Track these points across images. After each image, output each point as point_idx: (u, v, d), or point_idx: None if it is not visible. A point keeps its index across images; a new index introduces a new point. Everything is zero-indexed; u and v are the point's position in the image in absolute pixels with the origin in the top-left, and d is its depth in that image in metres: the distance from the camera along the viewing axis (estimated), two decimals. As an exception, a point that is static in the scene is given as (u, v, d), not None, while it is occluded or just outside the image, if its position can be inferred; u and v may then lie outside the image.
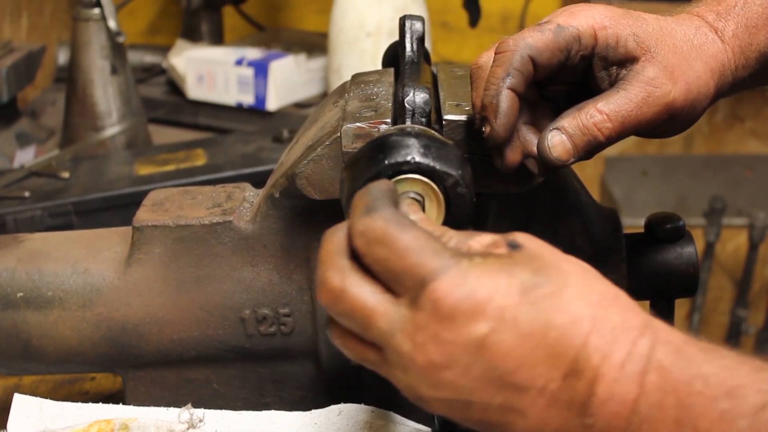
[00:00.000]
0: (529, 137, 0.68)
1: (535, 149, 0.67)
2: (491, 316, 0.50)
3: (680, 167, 2.44)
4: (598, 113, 0.66)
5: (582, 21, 0.67)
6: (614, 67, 0.68)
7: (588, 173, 2.45)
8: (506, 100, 0.65)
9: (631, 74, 0.67)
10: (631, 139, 2.41)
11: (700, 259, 2.32)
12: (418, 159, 0.57)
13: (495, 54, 0.67)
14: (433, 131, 0.62)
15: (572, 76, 0.70)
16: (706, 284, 2.35)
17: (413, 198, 0.59)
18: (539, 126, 0.69)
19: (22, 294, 0.78)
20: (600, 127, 0.66)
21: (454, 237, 0.55)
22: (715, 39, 0.71)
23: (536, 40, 0.66)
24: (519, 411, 0.52)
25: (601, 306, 0.52)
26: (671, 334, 0.52)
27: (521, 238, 0.54)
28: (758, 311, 2.38)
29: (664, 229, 0.79)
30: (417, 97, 0.65)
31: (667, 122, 0.69)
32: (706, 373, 0.49)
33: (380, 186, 0.55)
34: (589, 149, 0.66)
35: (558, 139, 0.66)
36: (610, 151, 2.43)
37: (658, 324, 0.52)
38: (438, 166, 0.57)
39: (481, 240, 0.54)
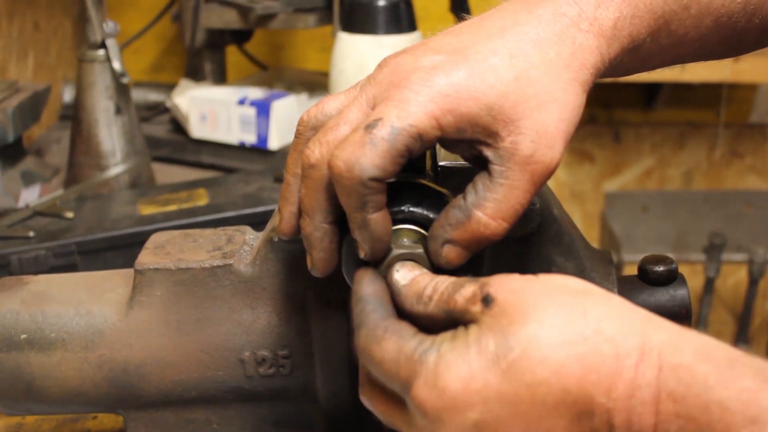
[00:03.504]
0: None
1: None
2: (473, 402, 0.51)
3: (680, 203, 2.45)
4: (491, 220, 0.59)
5: (419, 112, 0.57)
6: (475, 144, 0.59)
7: (588, 209, 2.46)
8: (326, 247, 0.61)
9: (503, 158, 0.58)
10: (632, 175, 2.43)
11: (701, 295, 2.33)
12: (412, 208, 0.59)
13: (308, 178, 0.60)
14: (427, 181, 0.63)
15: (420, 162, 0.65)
16: (707, 319, 2.35)
17: (406, 251, 0.60)
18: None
19: (25, 336, 0.79)
20: (493, 232, 0.59)
21: (443, 287, 0.56)
22: (586, 39, 0.61)
23: (368, 158, 0.56)
24: None
25: (586, 339, 0.50)
26: (680, 354, 0.50)
27: (494, 288, 0.53)
28: (759, 346, 2.39)
29: (657, 272, 0.80)
30: (412, 145, 0.66)
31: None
32: (724, 399, 0.47)
33: (366, 289, 0.58)
34: (481, 247, 0.61)
35: (454, 253, 0.60)
36: (611, 186, 2.44)
37: (662, 341, 0.50)
38: (432, 215, 0.59)
39: (464, 293, 0.55)
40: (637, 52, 0.65)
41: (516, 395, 0.50)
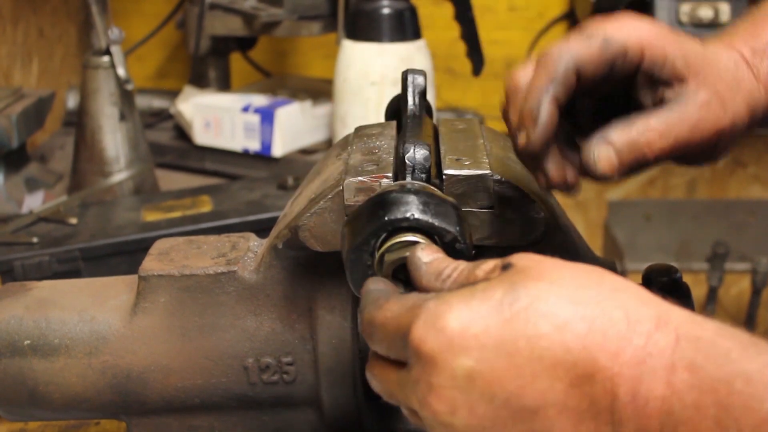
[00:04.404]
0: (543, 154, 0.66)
1: (546, 163, 0.65)
2: (470, 346, 0.49)
3: (683, 212, 2.45)
4: (650, 131, 0.63)
5: (630, 34, 0.64)
6: (660, 86, 0.65)
7: (591, 217, 2.46)
8: (546, 111, 0.62)
9: (683, 95, 0.65)
10: (635, 183, 2.43)
11: (704, 304, 2.33)
12: (417, 216, 0.59)
13: (537, 62, 0.64)
14: (432, 188, 0.63)
15: (607, 90, 0.67)
16: (710, 329, 2.35)
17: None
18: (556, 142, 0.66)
19: (29, 341, 0.79)
20: (651, 144, 0.63)
21: (464, 266, 0.56)
22: (750, 76, 0.69)
23: (582, 51, 0.63)
24: None
25: (596, 303, 0.49)
26: (699, 328, 0.48)
27: (517, 257, 0.53)
28: (762, 356, 2.38)
29: (662, 282, 0.80)
30: (417, 153, 0.66)
31: (710, 148, 0.67)
32: (749, 371, 0.45)
33: (373, 285, 0.58)
34: (635, 165, 0.64)
35: (605, 153, 0.63)
36: (614, 195, 2.44)
37: (681, 317, 0.49)
38: (437, 223, 0.59)
39: (485, 267, 0.54)
40: None
41: (514, 345, 0.48)
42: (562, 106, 0.64)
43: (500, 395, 0.49)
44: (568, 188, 0.67)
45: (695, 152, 0.66)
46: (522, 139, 0.64)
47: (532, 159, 0.66)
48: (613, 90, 0.67)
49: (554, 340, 0.48)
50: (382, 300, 0.56)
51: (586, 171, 0.64)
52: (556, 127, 0.63)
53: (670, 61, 0.64)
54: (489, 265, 0.54)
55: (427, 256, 0.58)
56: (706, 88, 0.65)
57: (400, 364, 0.54)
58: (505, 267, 0.52)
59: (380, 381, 0.57)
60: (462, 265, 0.56)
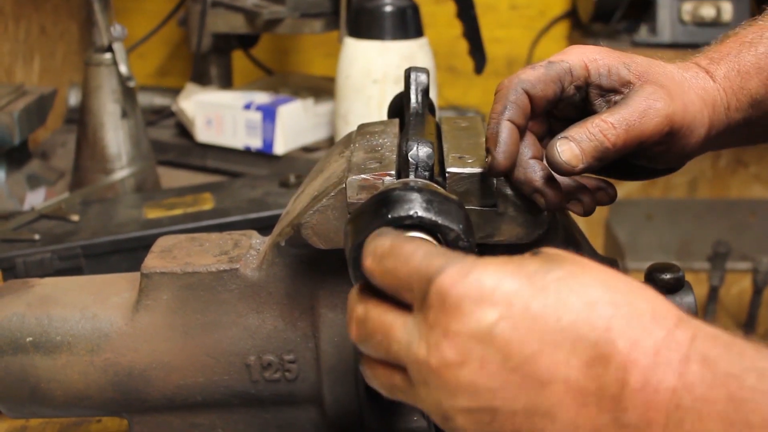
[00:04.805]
0: (537, 171, 0.70)
1: (541, 184, 0.69)
2: (499, 301, 0.50)
3: (684, 211, 2.44)
4: (602, 122, 0.68)
5: (572, 56, 0.71)
6: (610, 94, 0.71)
7: (593, 216, 2.45)
8: (505, 131, 0.68)
9: (630, 93, 0.70)
10: (636, 183, 2.43)
11: (704, 303, 2.32)
12: (420, 213, 0.59)
13: (495, 94, 0.71)
14: (436, 185, 0.63)
15: (572, 110, 0.73)
16: (711, 328, 2.35)
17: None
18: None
19: (31, 339, 0.79)
20: (606, 133, 0.68)
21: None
22: (706, 77, 0.75)
23: (528, 75, 0.70)
24: (547, 414, 0.49)
25: (625, 292, 0.50)
26: (715, 330, 0.49)
27: (544, 249, 0.54)
28: (763, 356, 2.38)
29: (664, 279, 0.80)
30: (420, 151, 0.66)
31: (668, 139, 0.70)
32: (762, 367, 0.46)
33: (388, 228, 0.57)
34: (597, 156, 0.68)
35: (567, 146, 0.68)
36: (615, 194, 2.44)
37: (698, 321, 0.50)
38: (440, 221, 0.59)
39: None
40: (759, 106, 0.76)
41: (542, 312, 0.49)
42: (522, 126, 0.69)
43: (516, 357, 0.49)
44: (575, 208, 0.73)
45: (654, 140, 0.70)
46: (489, 160, 0.68)
47: (525, 183, 0.70)
48: (580, 110, 0.73)
49: (581, 316, 0.49)
50: (412, 238, 0.55)
51: (554, 168, 0.68)
52: (517, 145, 0.69)
53: (614, 70, 0.71)
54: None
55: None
56: (651, 83, 0.70)
57: (402, 304, 0.54)
58: (535, 253, 0.54)
59: (380, 380, 0.56)
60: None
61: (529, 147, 0.71)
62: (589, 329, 0.48)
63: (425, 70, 0.78)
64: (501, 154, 0.68)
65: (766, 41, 0.77)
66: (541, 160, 0.71)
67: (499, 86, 0.71)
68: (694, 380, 0.46)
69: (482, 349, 0.49)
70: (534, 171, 0.70)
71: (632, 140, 0.69)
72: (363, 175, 0.70)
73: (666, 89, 0.70)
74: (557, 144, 0.68)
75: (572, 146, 0.67)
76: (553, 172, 0.70)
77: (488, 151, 0.69)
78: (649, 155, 0.72)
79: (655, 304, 0.50)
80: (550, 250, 0.54)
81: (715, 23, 2.11)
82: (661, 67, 0.73)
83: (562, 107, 0.73)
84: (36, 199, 1.46)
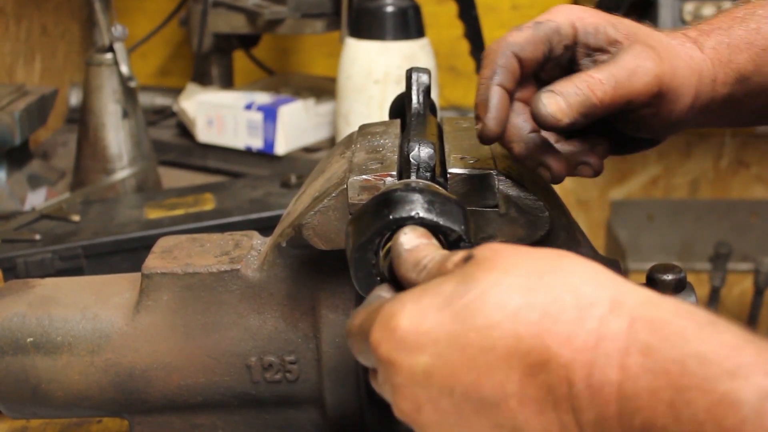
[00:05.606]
0: (538, 144, 0.69)
1: (545, 157, 0.69)
2: (424, 343, 0.49)
3: (686, 212, 2.44)
4: (590, 77, 0.67)
5: (559, 15, 0.70)
6: (597, 53, 0.70)
7: (594, 217, 2.46)
8: (495, 96, 0.67)
9: (619, 51, 0.69)
10: (638, 183, 2.43)
11: (706, 304, 2.32)
12: (422, 214, 0.58)
13: (482, 59, 0.70)
14: (437, 186, 0.63)
15: (560, 72, 0.71)
16: (712, 329, 2.34)
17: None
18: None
19: (32, 339, 0.79)
20: (593, 88, 0.66)
21: (437, 259, 0.55)
22: (693, 47, 0.74)
23: (516, 37, 0.69)
24: (513, 429, 0.48)
25: (548, 290, 0.48)
26: (656, 309, 0.46)
27: (480, 248, 0.53)
28: (764, 356, 2.37)
29: (666, 280, 0.80)
30: (422, 152, 0.66)
31: (656, 101, 0.69)
32: (702, 351, 0.43)
33: (375, 292, 0.58)
34: (583, 111, 0.66)
35: (553, 99, 0.66)
36: (617, 194, 2.44)
37: (637, 298, 0.47)
38: (442, 222, 0.59)
39: (455, 258, 0.54)
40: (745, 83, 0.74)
41: (466, 338, 0.48)
42: (512, 91, 0.68)
43: (458, 389, 0.49)
44: (585, 171, 0.72)
45: (643, 100, 0.68)
46: (480, 127, 0.67)
47: (528, 157, 0.69)
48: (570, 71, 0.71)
49: (505, 329, 0.47)
50: (357, 311, 0.57)
51: (538, 121, 0.67)
52: (507, 110, 0.68)
53: (601, 29, 0.70)
54: (458, 256, 0.54)
55: (409, 242, 0.57)
56: (640, 43, 0.69)
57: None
58: (467, 259, 0.52)
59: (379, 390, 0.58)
60: (438, 255, 0.56)
61: (526, 120, 0.70)
62: (517, 341, 0.47)
63: (427, 71, 0.78)
64: (492, 120, 0.66)
65: (757, 17, 0.76)
66: (539, 132, 0.70)
67: (486, 51, 0.70)
68: (638, 371, 0.44)
69: (427, 392, 0.50)
70: (536, 144, 0.69)
71: (620, 98, 0.67)
72: (364, 176, 0.70)
73: (655, 50, 0.69)
74: (542, 96, 0.66)
75: (558, 99, 0.66)
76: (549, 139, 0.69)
77: (478, 118, 0.67)
78: (635, 119, 0.71)
79: (581, 294, 0.48)
80: (479, 253, 0.52)
81: (717, 24, 2.10)
82: (648, 30, 0.72)
83: (550, 68, 0.71)
84: (37, 199, 1.46)
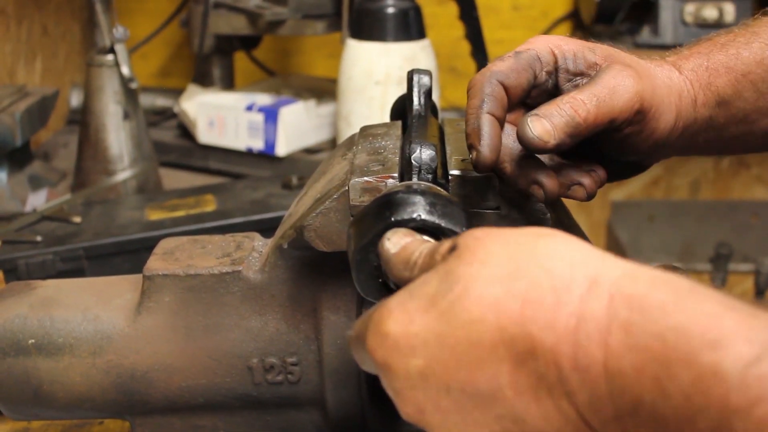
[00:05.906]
0: (531, 164, 0.70)
1: (537, 175, 0.69)
2: (415, 346, 0.50)
3: (686, 213, 2.44)
4: (572, 98, 0.68)
5: (538, 44, 0.72)
6: (578, 77, 0.72)
7: (595, 218, 2.46)
8: (486, 124, 0.67)
9: (598, 72, 0.71)
10: (638, 184, 2.43)
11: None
12: (423, 216, 0.59)
13: (468, 90, 0.70)
14: (439, 188, 0.63)
15: (546, 97, 0.72)
16: (713, 330, 2.34)
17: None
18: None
19: (33, 340, 0.79)
20: (576, 108, 0.67)
21: (426, 253, 0.56)
22: (671, 69, 0.75)
23: (499, 66, 0.70)
24: (516, 419, 0.48)
25: (525, 275, 0.48)
26: (634, 283, 0.46)
27: (463, 236, 0.53)
28: (765, 357, 2.37)
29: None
30: (423, 153, 0.66)
31: (639, 118, 0.70)
32: (682, 323, 0.43)
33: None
34: (569, 131, 0.67)
35: (538, 122, 0.67)
36: (617, 195, 2.44)
37: (615, 273, 0.47)
38: (443, 224, 0.59)
39: (441, 250, 0.54)
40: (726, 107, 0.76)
41: (454, 336, 0.49)
42: (501, 119, 0.69)
43: (455, 387, 0.49)
44: (579, 193, 0.73)
45: (625, 118, 0.69)
46: (474, 156, 0.67)
47: (520, 175, 0.70)
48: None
49: (489, 322, 0.48)
50: (354, 325, 0.58)
51: (525, 144, 0.67)
52: (500, 137, 0.68)
53: (580, 54, 0.72)
54: (444, 246, 0.54)
55: (394, 246, 0.58)
56: (618, 63, 0.71)
57: None
58: (451, 250, 0.53)
59: None
60: (425, 249, 0.56)
61: (516, 141, 0.70)
62: (502, 332, 0.47)
63: (428, 72, 0.78)
64: (486, 147, 0.67)
65: (737, 44, 0.77)
66: (531, 157, 0.71)
67: (472, 81, 0.70)
68: (621, 349, 0.44)
69: (426, 393, 0.51)
70: (527, 163, 0.70)
71: (603, 116, 0.68)
72: (366, 178, 0.70)
73: (633, 69, 0.71)
74: (528, 120, 0.67)
75: (543, 122, 0.67)
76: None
77: (471, 147, 0.67)
78: (620, 139, 0.71)
79: (557, 277, 0.48)
80: (462, 242, 0.52)
81: (718, 24, 2.10)
82: (625, 53, 0.74)
83: (536, 95, 0.73)
84: (38, 201, 1.46)
